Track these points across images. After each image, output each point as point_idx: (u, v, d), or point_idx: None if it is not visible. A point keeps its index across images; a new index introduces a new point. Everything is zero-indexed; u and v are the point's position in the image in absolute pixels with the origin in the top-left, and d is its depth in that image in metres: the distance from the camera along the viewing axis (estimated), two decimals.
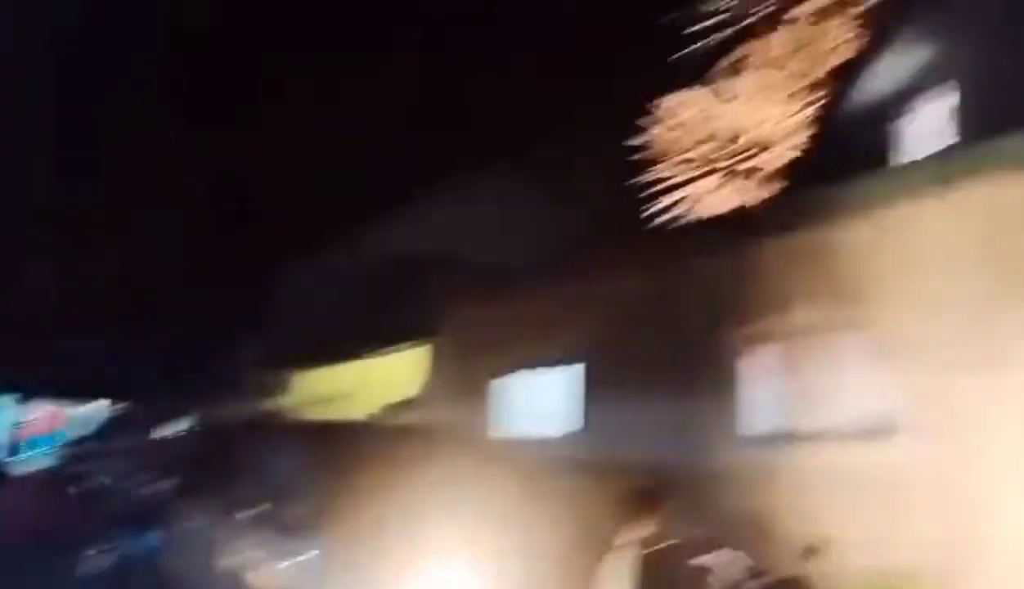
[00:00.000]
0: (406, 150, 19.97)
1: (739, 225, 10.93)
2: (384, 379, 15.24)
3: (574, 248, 13.33)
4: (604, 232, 15.93)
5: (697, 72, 23.03)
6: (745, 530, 7.45)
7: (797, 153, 19.24)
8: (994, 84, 9.30)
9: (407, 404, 14.54)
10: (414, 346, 13.99)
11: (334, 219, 18.73)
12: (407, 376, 14.48)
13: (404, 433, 12.29)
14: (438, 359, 13.04)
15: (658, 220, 22.55)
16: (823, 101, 17.43)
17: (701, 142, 23.15)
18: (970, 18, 10.05)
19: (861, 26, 20.20)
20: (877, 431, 7.22)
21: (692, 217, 22.08)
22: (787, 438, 8.01)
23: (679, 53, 22.79)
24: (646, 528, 6.96)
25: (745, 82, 22.67)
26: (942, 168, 7.59)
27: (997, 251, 6.58)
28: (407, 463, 9.57)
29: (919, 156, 10.60)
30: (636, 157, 22.94)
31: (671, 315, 9.19)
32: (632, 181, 22.82)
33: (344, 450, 10.48)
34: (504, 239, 14.54)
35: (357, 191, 19.46)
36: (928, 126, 10.85)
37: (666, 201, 22.88)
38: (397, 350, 14.49)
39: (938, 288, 6.90)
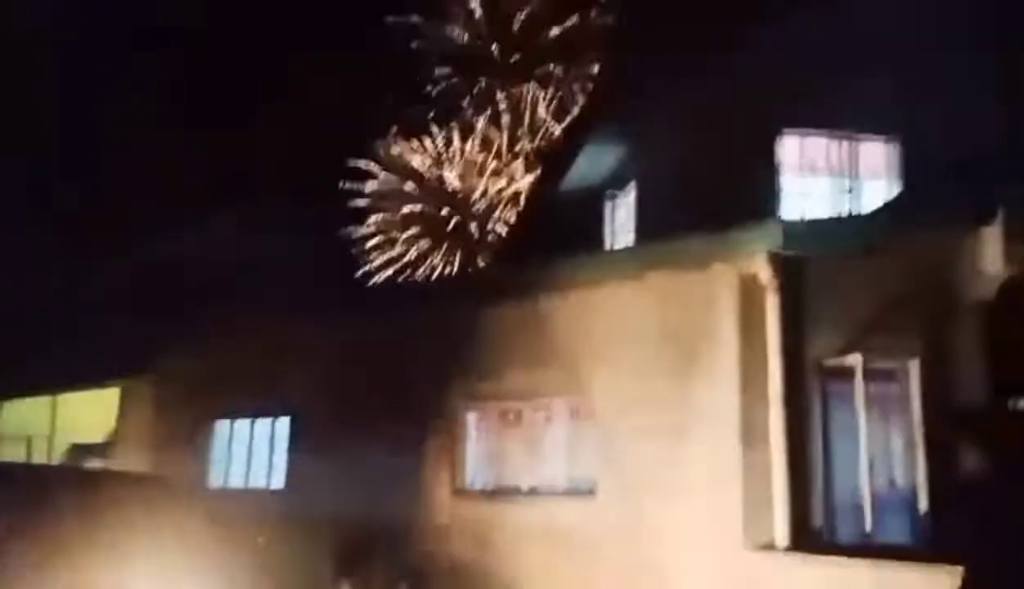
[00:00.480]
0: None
1: (456, 289, 11.57)
2: (76, 419, 14.12)
3: (299, 294, 13.33)
4: (327, 281, 16.03)
5: (424, 127, 23.79)
6: (458, 582, 7.94)
7: (511, 226, 20.50)
8: (668, 187, 10.71)
9: (102, 448, 13.56)
10: (116, 384, 13.13)
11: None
12: (102, 417, 13.52)
13: (101, 479, 11.46)
14: (145, 401, 12.35)
15: (378, 276, 22.89)
16: (537, 180, 18.87)
17: (421, 199, 23.85)
18: (647, 128, 11.46)
19: (568, 114, 22.20)
20: (578, 491, 8.05)
21: (411, 276, 22.66)
22: (501, 494, 8.64)
23: (408, 106, 23.46)
24: (359, 581, 7.20)
25: (468, 148, 23.85)
26: (632, 258, 8.75)
27: (677, 334, 7.68)
28: (104, 512, 8.99)
29: (618, 243, 11.95)
30: (357, 204, 23.05)
31: (391, 371, 9.51)
32: (350, 232, 22.91)
33: (29, 497, 9.60)
34: (232, 278, 14.19)
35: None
36: (625, 217, 12.24)
37: (385, 257, 23.28)
38: (95, 387, 13.48)
39: (631, 363, 7.83)
